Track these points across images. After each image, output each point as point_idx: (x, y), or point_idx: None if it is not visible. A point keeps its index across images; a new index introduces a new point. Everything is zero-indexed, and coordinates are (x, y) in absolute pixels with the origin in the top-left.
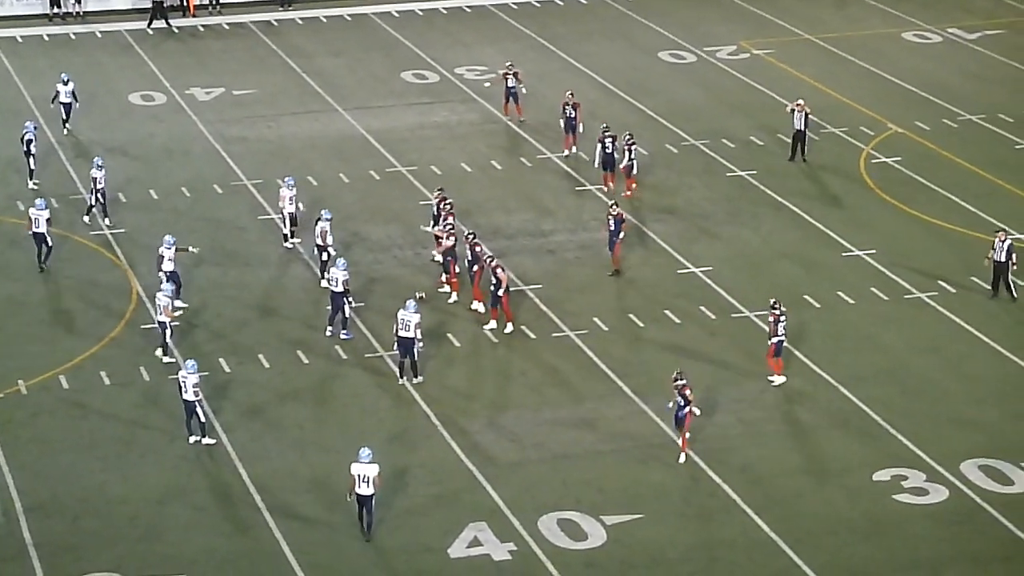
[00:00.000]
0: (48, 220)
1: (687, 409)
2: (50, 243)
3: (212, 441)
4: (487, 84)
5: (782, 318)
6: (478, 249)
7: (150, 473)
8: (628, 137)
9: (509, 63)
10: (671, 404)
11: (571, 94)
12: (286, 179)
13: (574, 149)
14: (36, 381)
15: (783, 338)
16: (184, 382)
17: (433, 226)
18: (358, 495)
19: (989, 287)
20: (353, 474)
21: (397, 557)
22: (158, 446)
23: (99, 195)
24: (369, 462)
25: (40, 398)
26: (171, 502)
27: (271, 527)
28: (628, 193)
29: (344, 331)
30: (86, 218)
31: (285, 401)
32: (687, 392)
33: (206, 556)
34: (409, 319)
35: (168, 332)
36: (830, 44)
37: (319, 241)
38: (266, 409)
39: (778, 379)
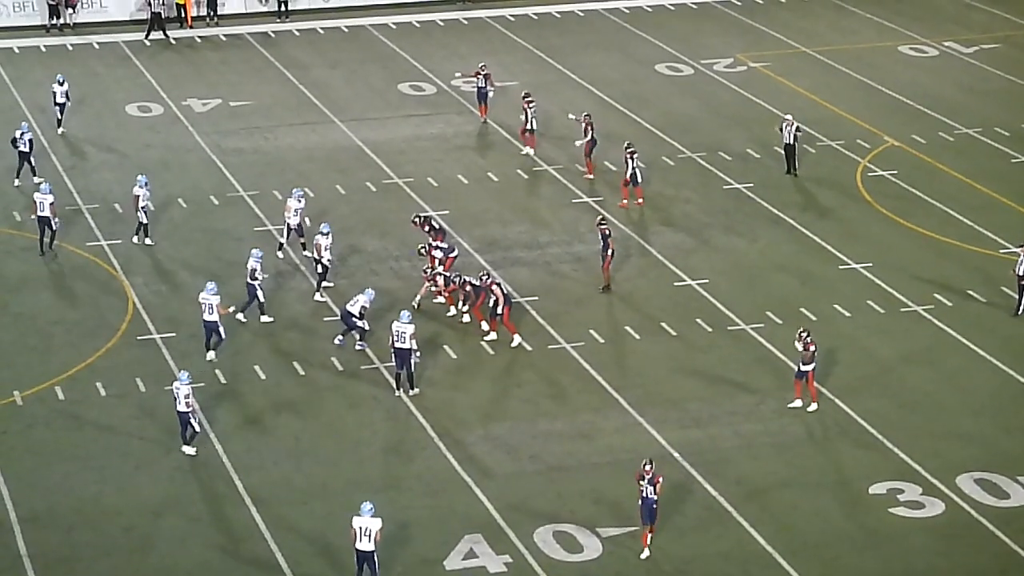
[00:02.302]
0: (51, 204)
1: (656, 500)
2: (54, 227)
3: (192, 452)
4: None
5: (811, 346)
6: (487, 281)
7: (145, 484)
8: (628, 146)
9: (482, 64)
10: (640, 501)
11: (525, 94)
12: (294, 191)
13: (529, 151)
14: (31, 392)
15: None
16: (178, 393)
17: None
18: (357, 550)
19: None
20: (354, 527)
21: (393, 569)
22: (153, 457)
23: (144, 213)
24: (372, 516)
25: (35, 409)
26: (166, 513)
27: (266, 538)
28: (633, 202)
29: (360, 342)
30: (143, 239)
31: (281, 412)
32: (659, 482)
33: (201, 568)
34: (404, 330)
35: (223, 331)
36: (826, 57)
37: (315, 255)
38: (262, 420)
39: (798, 403)
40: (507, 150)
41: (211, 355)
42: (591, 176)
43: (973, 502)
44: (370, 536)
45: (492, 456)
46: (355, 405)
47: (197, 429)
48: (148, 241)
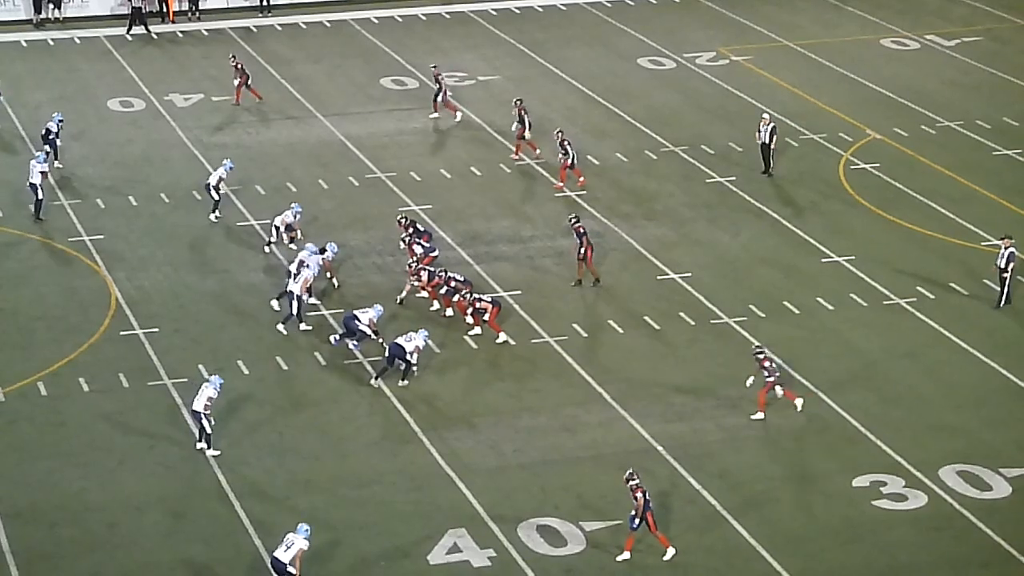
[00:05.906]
0: (43, 173)
1: (649, 508)
2: (39, 196)
3: (216, 453)
4: None
5: (767, 363)
6: (454, 285)
7: (128, 480)
8: (559, 133)
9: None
10: (634, 512)
11: (435, 67)
12: (293, 205)
13: (435, 115)
14: (14, 388)
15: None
16: (201, 393)
17: (416, 264)
18: (273, 557)
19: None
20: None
21: (376, 563)
22: (137, 453)
23: (215, 193)
24: (304, 536)
25: (18, 405)
26: (149, 509)
27: (250, 534)
28: (568, 183)
29: (355, 343)
30: (216, 215)
31: (264, 407)
32: (639, 495)
33: (184, 564)
34: (414, 336)
35: (301, 304)
36: (808, 50)
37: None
38: (245, 415)
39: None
40: (490, 145)
41: (303, 326)
42: (517, 157)
43: (956, 494)
44: (289, 550)
45: (476, 450)
46: (338, 400)
47: (209, 430)
48: (216, 214)
